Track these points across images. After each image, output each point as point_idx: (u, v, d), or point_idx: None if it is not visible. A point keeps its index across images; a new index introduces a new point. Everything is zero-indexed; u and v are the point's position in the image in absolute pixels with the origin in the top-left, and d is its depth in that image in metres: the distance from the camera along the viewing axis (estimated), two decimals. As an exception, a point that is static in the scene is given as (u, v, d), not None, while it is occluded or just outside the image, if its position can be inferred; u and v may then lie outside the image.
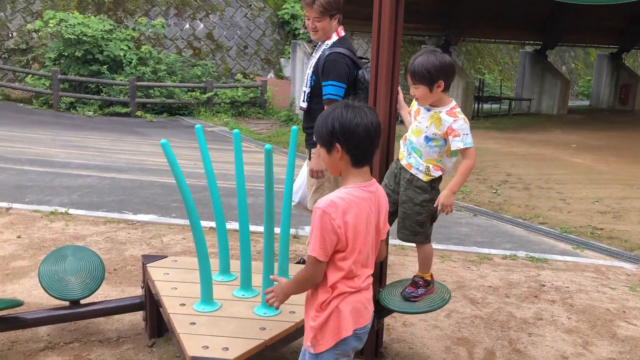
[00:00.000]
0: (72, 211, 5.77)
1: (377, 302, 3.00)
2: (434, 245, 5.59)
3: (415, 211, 2.79)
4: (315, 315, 2.00)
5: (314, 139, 2.10)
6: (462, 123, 2.64)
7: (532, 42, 21.90)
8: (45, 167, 7.92)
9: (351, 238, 1.94)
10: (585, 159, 11.17)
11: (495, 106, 20.57)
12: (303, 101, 3.72)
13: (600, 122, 18.39)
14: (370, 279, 2.10)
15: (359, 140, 1.93)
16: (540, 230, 6.40)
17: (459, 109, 2.72)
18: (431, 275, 2.96)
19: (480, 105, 18.58)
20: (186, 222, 5.58)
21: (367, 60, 3.70)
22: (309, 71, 3.65)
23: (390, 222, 2.81)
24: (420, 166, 2.76)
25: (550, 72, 20.93)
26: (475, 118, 17.70)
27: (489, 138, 13.67)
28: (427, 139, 2.70)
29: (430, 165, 2.74)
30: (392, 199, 2.81)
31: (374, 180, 2.05)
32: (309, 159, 3.78)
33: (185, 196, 2.48)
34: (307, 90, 3.66)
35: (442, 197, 2.68)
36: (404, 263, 4.87)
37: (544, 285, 4.48)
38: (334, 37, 3.64)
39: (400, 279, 3.29)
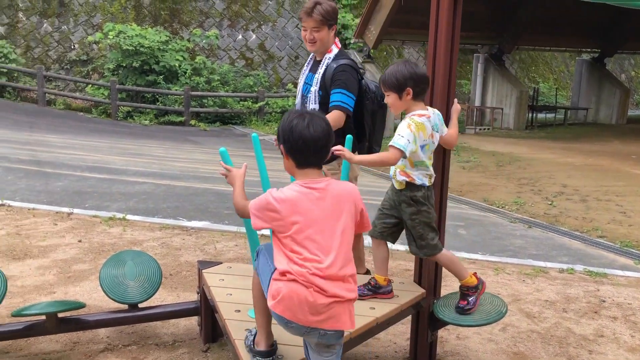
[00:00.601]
0: (129, 217, 5.94)
1: (431, 313, 2.97)
2: (488, 257, 5.51)
3: (410, 225, 2.84)
4: None
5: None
6: (404, 126, 2.67)
7: (589, 49, 21.29)
8: (104, 174, 8.20)
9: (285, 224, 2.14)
10: (647, 170, 10.76)
11: (550, 116, 20.06)
12: None
13: (663, 132, 17.70)
14: (323, 281, 2.14)
15: (295, 145, 2.16)
16: (598, 243, 6.19)
17: (418, 114, 2.72)
18: (474, 275, 2.91)
19: (534, 114, 18.15)
20: (239, 229, 5.66)
21: (364, 71, 3.66)
22: (315, 87, 3.48)
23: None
24: (392, 171, 2.85)
25: (608, 81, 20.28)
26: (530, 128, 17.31)
27: (544, 148, 13.33)
28: None
29: (398, 170, 2.80)
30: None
31: (325, 179, 2.22)
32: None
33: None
34: (316, 107, 3.47)
35: (347, 151, 2.66)
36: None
37: (604, 301, 4.33)
38: (335, 49, 3.55)
39: (457, 291, 3.24)
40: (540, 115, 19.15)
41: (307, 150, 2.17)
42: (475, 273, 2.94)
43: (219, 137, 13.94)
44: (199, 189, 7.69)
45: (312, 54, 3.67)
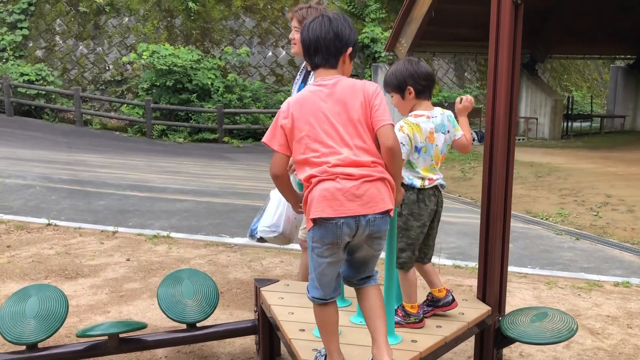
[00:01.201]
0: (173, 234, 5.96)
1: (497, 330, 2.88)
2: (538, 271, 5.37)
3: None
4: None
5: None
6: (396, 129, 2.54)
7: (623, 56, 20.89)
8: (145, 192, 8.28)
9: (298, 125, 2.25)
10: (693, 178, 10.44)
11: (585, 124, 19.69)
12: None
13: None
14: (351, 167, 2.19)
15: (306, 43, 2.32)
16: (652, 255, 6.00)
17: (414, 115, 2.67)
18: (417, 307, 2.70)
19: (570, 123, 17.84)
20: (282, 245, 5.63)
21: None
22: None
23: None
24: None
25: (645, 87, 19.87)
26: (565, 137, 17.00)
27: (582, 158, 13.06)
28: None
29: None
30: None
31: (336, 76, 2.28)
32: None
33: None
34: None
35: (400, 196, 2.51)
36: (511, 290, 4.68)
37: (667, 316, 4.16)
38: None
39: (522, 308, 3.14)
40: (576, 124, 18.82)
41: (309, 48, 2.30)
42: (419, 306, 2.74)
43: (252, 153, 14.03)
44: (238, 205, 7.71)
45: (304, 63, 3.55)
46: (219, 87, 16.56)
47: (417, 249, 2.72)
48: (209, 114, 16.07)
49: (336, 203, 2.16)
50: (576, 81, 25.37)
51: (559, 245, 6.29)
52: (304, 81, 3.56)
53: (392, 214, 2.28)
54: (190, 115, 16.28)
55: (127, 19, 18.76)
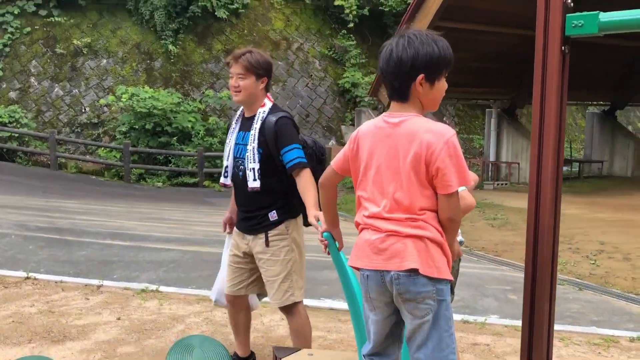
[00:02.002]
0: (162, 288, 5.59)
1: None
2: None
3: None
4: None
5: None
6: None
7: (596, 103, 21.38)
8: (127, 241, 7.88)
9: (358, 165, 2.18)
10: (682, 225, 10.46)
11: (565, 169, 19.92)
12: (254, 180, 3.14)
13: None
14: (380, 220, 2.09)
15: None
16: (659, 307, 5.84)
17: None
18: None
19: (550, 168, 18.02)
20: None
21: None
22: (253, 145, 3.16)
23: None
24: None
25: (621, 133, 20.28)
26: (546, 182, 17.12)
27: (568, 203, 13.04)
28: None
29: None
30: None
31: (405, 114, 2.10)
32: (267, 244, 3.20)
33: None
34: (256, 166, 3.14)
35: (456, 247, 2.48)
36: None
37: (697, 376, 3.96)
38: (269, 103, 3.28)
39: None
40: (554, 169, 19.01)
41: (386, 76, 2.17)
42: None
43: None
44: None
45: (240, 110, 3.36)
46: (200, 131, 16.32)
47: None
48: (189, 158, 15.77)
49: (363, 254, 2.11)
50: (551, 126, 25.85)
51: (563, 297, 6.10)
52: (243, 129, 3.31)
53: (432, 273, 2.04)
54: (169, 158, 15.96)
55: (105, 60, 18.54)
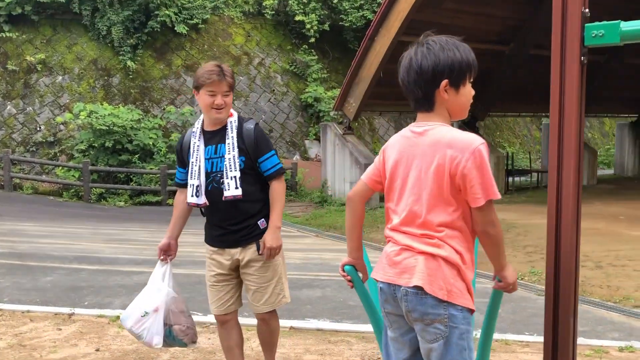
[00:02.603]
0: (139, 314, 5.32)
1: None
2: (537, 338, 5.10)
3: None
4: None
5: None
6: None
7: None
8: (95, 265, 7.54)
9: (387, 175, 2.12)
10: (643, 231, 10.73)
11: (524, 179, 20.32)
12: (236, 188, 3.15)
13: (633, 190, 18.05)
14: (398, 233, 2.04)
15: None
16: (638, 315, 5.90)
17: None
18: None
19: (512, 178, 18.37)
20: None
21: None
22: (233, 154, 3.15)
23: None
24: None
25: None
26: (509, 192, 17.39)
27: (533, 213, 13.25)
28: None
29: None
30: None
31: (430, 123, 2.03)
32: (260, 253, 3.25)
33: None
34: (238, 174, 3.15)
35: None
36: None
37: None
38: (235, 113, 3.33)
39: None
40: (515, 179, 19.36)
41: (405, 86, 2.13)
42: None
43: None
44: (200, 276, 7.05)
45: (198, 127, 3.28)
46: (162, 148, 15.94)
47: None
48: (151, 176, 15.35)
49: (380, 265, 2.06)
50: (508, 137, 26.39)
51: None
52: (213, 142, 3.23)
53: (439, 295, 1.94)
54: (131, 177, 15.50)
55: (60, 77, 17.96)
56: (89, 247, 8.85)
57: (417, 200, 1.99)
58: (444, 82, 2.00)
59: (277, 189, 3.25)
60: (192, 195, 3.25)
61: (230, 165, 3.14)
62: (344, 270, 2.28)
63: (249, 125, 3.25)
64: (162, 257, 3.42)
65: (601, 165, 28.16)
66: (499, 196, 1.99)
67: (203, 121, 3.29)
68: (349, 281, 2.27)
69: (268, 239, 3.20)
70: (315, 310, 5.69)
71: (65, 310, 5.40)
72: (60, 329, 4.84)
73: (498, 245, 2.02)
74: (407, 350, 2.07)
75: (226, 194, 3.14)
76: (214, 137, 3.22)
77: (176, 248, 3.50)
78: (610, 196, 16.52)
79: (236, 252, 3.27)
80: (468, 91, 2.07)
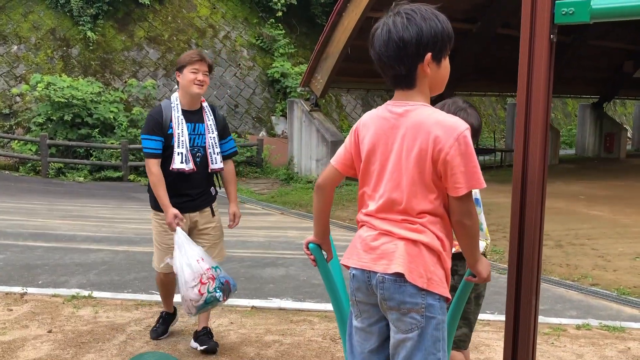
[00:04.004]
0: (95, 294, 5.17)
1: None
2: (498, 317, 5.15)
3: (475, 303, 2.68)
4: None
5: None
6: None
7: (515, 94, 22.16)
8: (51, 242, 7.30)
9: (363, 157, 1.99)
10: (602, 211, 10.95)
11: (488, 158, 20.55)
12: (220, 162, 3.81)
13: (594, 170, 18.44)
14: (375, 219, 1.95)
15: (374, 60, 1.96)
16: (595, 293, 6.00)
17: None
18: None
19: (477, 157, 18.52)
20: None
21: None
22: (213, 134, 3.74)
23: None
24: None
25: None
26: (473, 171, 17.57)
27: (496, 192, 13.38)
28: None
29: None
30: None
31: (411, 103, 1.89)
32: (213, 214, 3.88)
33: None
34: (218, 149, 3.78)
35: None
36: (487, 343, 4.38)
37: (648, 363, 4.04)
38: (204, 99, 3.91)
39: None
40: (479, 158, 19.58)
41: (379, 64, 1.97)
42: None
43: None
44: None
45: (175, 102, 3.67)
46: (123, 122, 15.51)
47: (474, 324, 2.33)
48: (112, 150, 14.96)
49: (354, 251, 1.95)
50: (473, 117, 26.63)
51: (504, 285, 6.16)
52: (193, 120, 3.68)
53: (420, 283, 1.86)
54: (91, 151, 15.06)
55: (16, 47, 17.24)
56: (45, 223, 8.57)
57: (396, 187, 1.87)
58: (428, 55, 1.86)
59: (233, 167, 4.00)
60: (182, 162, 3.62)
61: (213, 144, 3.75)
62: (307, 248, 2.19)
63: (219, 111, 3.90)
64: (176, 222, 3.60)
65: (563, 146, 28.72)
66: (484, 185, 1.85)
67: (179, 101, 3.70)
68: (313, 260, 2.19)
69: (237, 210, 3.90)
70: (278, 290, 5.61)
71: (17, 289, 5.20)
72: (11, 310, 4.65)
73: (473, 237, 1.93)
74: (375, 341, 1.97)
75: (213, 166, 3.75)
76: (193, 116, 3.71)
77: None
78: (571, 176, 16.85)
79: (195, 216, 3.79)
80: (447, 64, 1.96)
